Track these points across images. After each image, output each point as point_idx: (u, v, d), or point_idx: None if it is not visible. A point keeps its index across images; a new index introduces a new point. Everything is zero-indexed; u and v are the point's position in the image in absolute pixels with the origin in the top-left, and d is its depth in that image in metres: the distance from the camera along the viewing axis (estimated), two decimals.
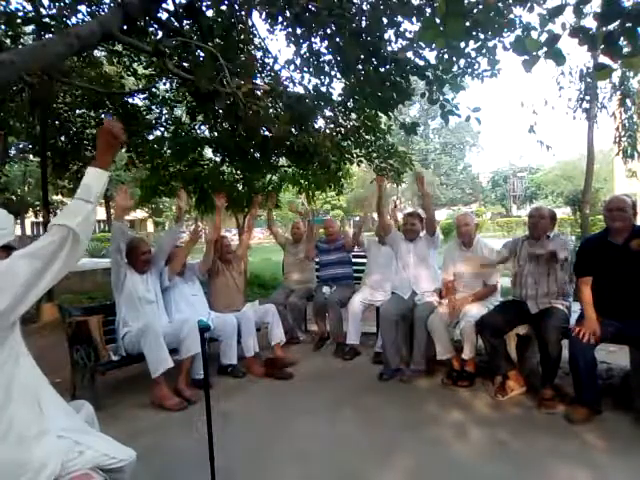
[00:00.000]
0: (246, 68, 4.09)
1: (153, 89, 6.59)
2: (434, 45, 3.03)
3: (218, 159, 7.00)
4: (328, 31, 4.30)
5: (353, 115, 5.66)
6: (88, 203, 1.41)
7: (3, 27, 4.47)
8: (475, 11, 2.98)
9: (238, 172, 7.24)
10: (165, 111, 7.04)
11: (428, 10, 3.96)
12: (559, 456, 2.47)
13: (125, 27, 3.47)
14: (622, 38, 1.70)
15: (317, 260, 5.06)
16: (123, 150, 7.06)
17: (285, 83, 5.01)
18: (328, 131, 5.53)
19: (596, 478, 2.27)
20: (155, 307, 3.67)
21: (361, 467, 2.47)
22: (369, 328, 4.64)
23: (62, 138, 6.90)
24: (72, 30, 2.97)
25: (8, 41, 4.33)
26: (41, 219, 7.27)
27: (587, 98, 7.47)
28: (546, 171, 43.32)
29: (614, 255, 2.95)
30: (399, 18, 4.17)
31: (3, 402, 1.35)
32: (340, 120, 5.51)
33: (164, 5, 4.08)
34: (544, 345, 3.07)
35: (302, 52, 4.70)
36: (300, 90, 5.01)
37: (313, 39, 4.61)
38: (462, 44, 3.79)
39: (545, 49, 1.82)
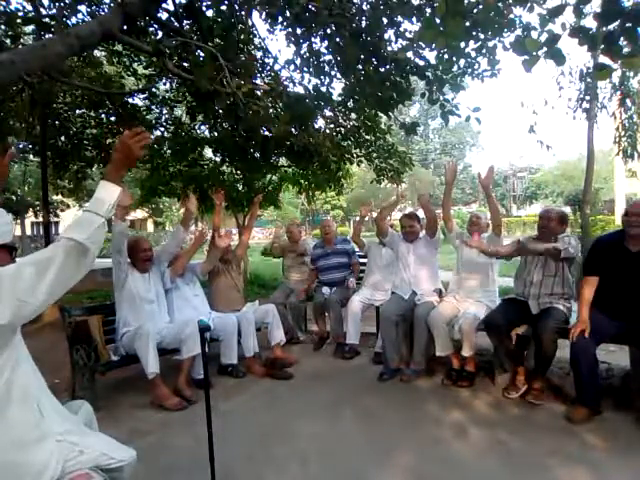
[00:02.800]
0: (246, 68, 4.08)
1: (153, 89, 6.58)
2: (434, 45, 3.03)
3: (218, 159, 7.00)
4: (328, 31, 4.29)
5: (353, 115, 5.66)
6: (98, 216, 1.40)
7: (3, 27, 4.47)
8: (475, 11, 2.97)
9: (238, 172, 7.24)
10: (165, 111, 7.04)
11: (428, 10, 3.96)
12: (559, 456, 2.47)
13: (125, 27, 3.46)
14: (622, 38, 1.70)
15: (315, 266, 4.99)
16: None
17: (285, 83, 5.00)
18: (328, 131, 5.53)
19: (596, 478, 2.27)
20: (155, 306, 3.67)
21: (361, 467, 2.46)
22: (369, 328, 4.64)
23: (62, 138, 6.89)
24: (72, 30, 2.97)
25: (8, 41, 4.33)
26: (41, 219, 7.26)
27: (587, 98, 7.46)
28: (546, 171, 43.31)
29: (627, 261, 2.91)
30: (399, 18, 4.17)
31: (3, 405, 1.35)
32: (340, 120, 5.51)
33: (164, 5, 4.08)
34: (539, 343, 3.07)
35: (302, 52, 4.69)
36: (300, 90, 5.00)
37: (313, 39, 4.60)
38: (462, 44, 3.78)
39: (545, 49, 1.82)
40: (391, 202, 4.71)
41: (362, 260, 4.92)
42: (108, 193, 1.43)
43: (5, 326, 1.28)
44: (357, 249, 4.97)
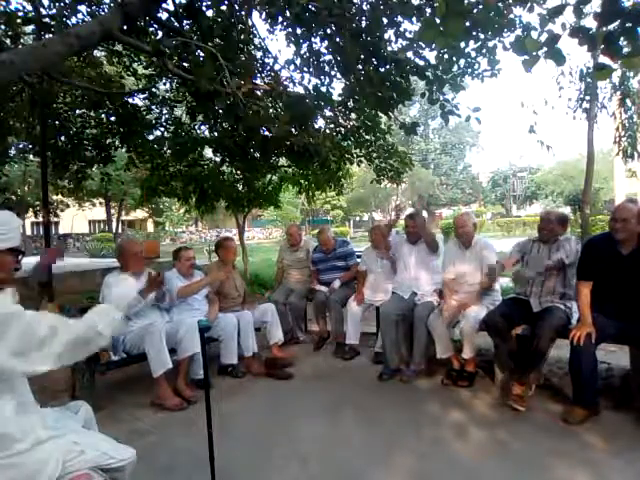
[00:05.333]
0: (246, 68, 4.09)
1: (153, 89, 6.58)
2: (434, 45, 3.03)
3: (218, 159, 7.00)
4: (328, 31, 4.29)
5: (353, 115, 5.65)
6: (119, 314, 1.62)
7: (3, 27, 4.47)
8: (475, 11, 2.97)
9: (238, 172, 7.24)
10: (165, 111, 7.02)
11: (428, 10, 3.95)
12: (559, 456, 2.47)
13: (125, 27, 3.46)
14: (622, 38, 1.69)
15: (315, 268, 5.02)
16: (123, 150, 7.06)
17: (285, 83, 4.99)
18: (328, 131, 5.52)
19: (596, 478, 2.27)
20: (149, 310, 3.63)
21: (361, 467, 2.46)
22: (369, 328, 4.64)
23: (62, 138, 6.88)
24: (72, 30, 2.97)
25: (8, 41, 4.33)
26: (41, 219, 7.25)
27: (587, 98, 7.46)
28: (546, 171, 43.33)
29: (619, 265, 2.91)
30: (399, 18, 4.16)
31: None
32: (340, 120, 5.50)
33: (164, 5, 4.08)
34: (536, 340, 3.06)
35: (302, 52, 4.69)
36: (300, 90, 5.00)
37: (313, 39, 4.60)
38: (462, 44, 3.78)
39: (545, 49, 1.82)
40: (390, 221, 4.43)
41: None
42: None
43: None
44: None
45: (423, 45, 4.09)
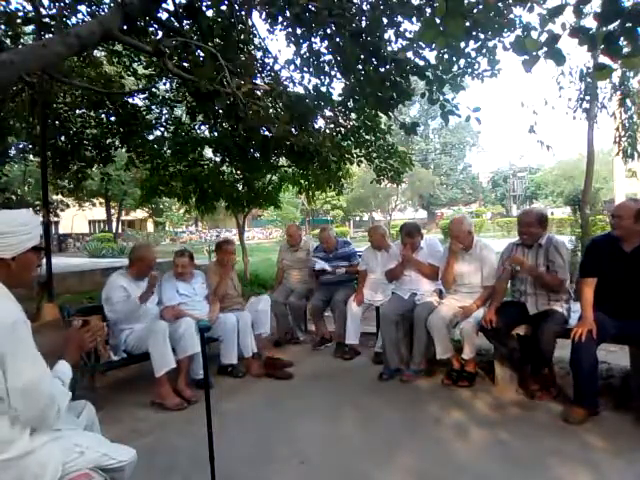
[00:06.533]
0: (246, 68, 4.09)
1: (153, 89, 6.58)
2: (434, 45, 3.03)
3: (218, 159, 7.00)
4: (328, 31, 4.29)
5: (353, 115, 5.65)
6: (64, 387, 1.57)
7: (3, 27, 4.48)
8: (475, 11, 2.97)
9: (238, 172, 7.24)
10: (165, 111, 7.03)
11: (428, 10, 3.95)
12: (559, 456, 2.47)
13: (125, 27, 3.47)
14: (622, 38, 1.69)
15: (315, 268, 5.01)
16: (123, 150, 7.06)
17: (285, 83, 5.00)
18: (328, 131, 5.52)
19: (596, 478, 2.27)
20: (148, 312, 3.64)
21: (361, 467, 2.47)
22: (369, 328, 4.64)
23: (62, 138, 6.87)
24: (72, 30, 2.97)
25: (8, 41, 4.33)
26: (41, 219, 7.24)
27: (587, 98, 7.45)
28: (546, 171, 43.43)
29: (622, 262, 2.92)
30: (399, 18, 4.16)
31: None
32: (340, 120, 5.50)
33: (164, 5, 4.08)
34: (537, 342, 3.07)
35: (302, 52, 4.69)
36: (300, 90, 5.00)
37: (313, 39, 4.60)
38: (462, 44, 3.78)
39: (545, 49, 1.82)
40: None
41: None
42: (67, 371, 1.65)
43: None
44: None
45: (423, 45, 4.08)
